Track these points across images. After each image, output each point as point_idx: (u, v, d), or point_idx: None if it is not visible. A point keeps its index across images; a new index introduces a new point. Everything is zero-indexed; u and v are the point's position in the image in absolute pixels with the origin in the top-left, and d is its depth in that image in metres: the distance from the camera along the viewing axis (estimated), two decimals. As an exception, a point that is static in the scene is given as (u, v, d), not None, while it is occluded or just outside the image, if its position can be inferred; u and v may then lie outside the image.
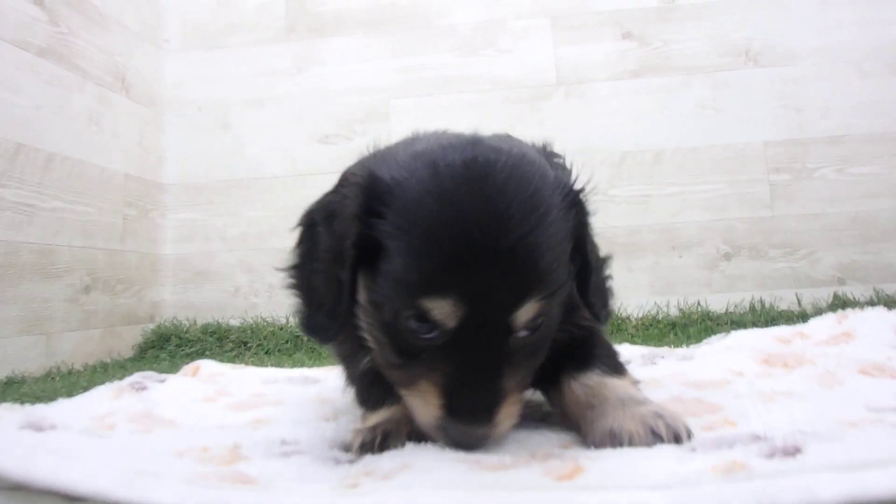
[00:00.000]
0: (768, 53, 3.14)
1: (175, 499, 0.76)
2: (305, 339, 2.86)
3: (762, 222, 3.07)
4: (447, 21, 3.35)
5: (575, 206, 1.02)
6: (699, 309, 2.95)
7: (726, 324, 2.75)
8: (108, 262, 2.87)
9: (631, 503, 0.73)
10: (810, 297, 2.96)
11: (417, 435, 1.00)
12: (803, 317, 2.72)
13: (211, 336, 2.92)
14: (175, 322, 3.15)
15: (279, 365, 2.26)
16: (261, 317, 3.13)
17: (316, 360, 2.45)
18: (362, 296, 1.00)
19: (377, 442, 1.00)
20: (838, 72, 3.07)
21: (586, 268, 1.07)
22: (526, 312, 0.92)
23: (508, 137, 1.11)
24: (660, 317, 2.94)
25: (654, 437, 0.93)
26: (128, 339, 2.99)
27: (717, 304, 2.97)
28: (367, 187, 0.96)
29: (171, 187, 3.38)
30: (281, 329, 2.96)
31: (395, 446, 0.98)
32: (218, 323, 3.07)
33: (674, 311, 2.98)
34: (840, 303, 2.83)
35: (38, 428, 1.01)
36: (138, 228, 3.12)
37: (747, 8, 3.17)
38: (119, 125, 3.02)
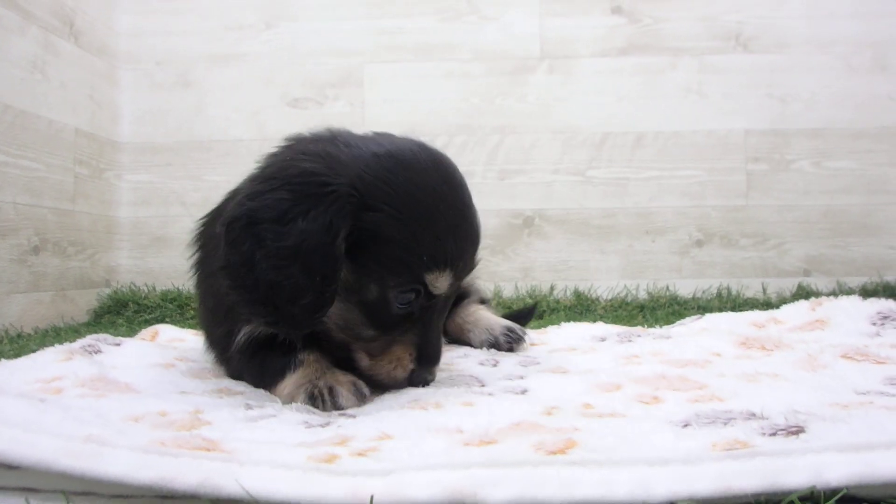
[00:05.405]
0: (758, 39, 3.08)
1: (127, 468, 0.68)
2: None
3: (736, 211, 3.08)
4: (430, -20, 3.15)
5: None
6: (668, 293, 2.97)
7: (694, 309, 2.78)
8: (58, 222, 2.70)
9: (631, 481, 0.68)
10: (776, 286, 3.00)
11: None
12: (768, 305, 2.76)
13: (171, 303, 2.80)
14: (133, 287, 3.01)
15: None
16: (222, 285, 3.00)
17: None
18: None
19: (325, 396, 1.09)
20: (826, 64, 3.05)
21: None
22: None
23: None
24: (629, 299, 2.95)
25: (510, 336, 1.67)
26: (81, 304, 2.84)
27: (685, 289, 2.99)
28: (357, 186, 1.08)
29: (126, 146, 3.18)
30: (243, 299, 2.85)
31: (347, 401, 1.09)
32: (178, 290, 2.94)
33: (643, 295, 2.99)
34: (804, 293, 2.88)
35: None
36: (91, 189, 2.94)
37: (743, -11, 3.09)
38: (67, 75, 2.78)
